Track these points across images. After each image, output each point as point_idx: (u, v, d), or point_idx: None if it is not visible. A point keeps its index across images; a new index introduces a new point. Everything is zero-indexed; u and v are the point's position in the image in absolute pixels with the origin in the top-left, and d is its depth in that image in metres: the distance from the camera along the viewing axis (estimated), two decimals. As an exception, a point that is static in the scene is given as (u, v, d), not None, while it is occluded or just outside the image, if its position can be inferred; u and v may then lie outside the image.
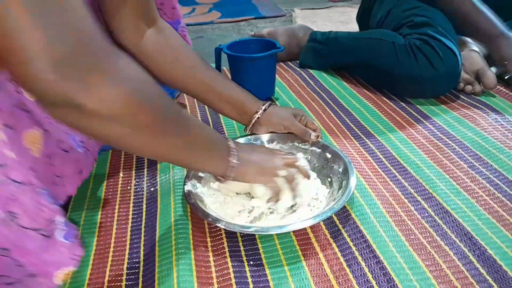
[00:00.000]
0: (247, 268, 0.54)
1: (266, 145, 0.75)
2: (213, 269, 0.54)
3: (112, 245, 0.60)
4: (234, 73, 1.03)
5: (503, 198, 0.65)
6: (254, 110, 0.75)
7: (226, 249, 0.57)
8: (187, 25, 1.88)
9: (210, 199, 0.64)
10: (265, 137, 0.76)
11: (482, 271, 0.52)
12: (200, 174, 0.67)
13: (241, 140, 0.75)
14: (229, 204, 0.63)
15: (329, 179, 0.68)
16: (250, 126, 0.75)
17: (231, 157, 0.58)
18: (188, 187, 0.63)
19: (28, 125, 0.48)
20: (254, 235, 0.59)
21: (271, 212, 0.62)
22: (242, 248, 0.58)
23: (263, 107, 0.75)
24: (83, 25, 0.37)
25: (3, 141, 0.41)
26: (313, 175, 0.67)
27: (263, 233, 0.57)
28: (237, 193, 0.66)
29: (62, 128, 0.55)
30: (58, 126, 0.54)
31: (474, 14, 1.01)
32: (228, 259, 0.56)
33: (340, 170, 0.67)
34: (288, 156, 0.65)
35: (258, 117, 0.74)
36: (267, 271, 0.54)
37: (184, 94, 1.05)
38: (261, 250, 0.57)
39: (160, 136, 0.47)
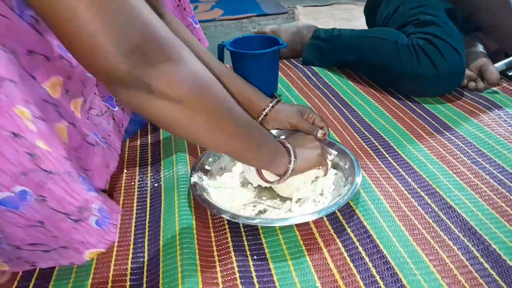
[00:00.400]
0: (251, 263, 0.55)
1: None
2: (217, 263, 0.55)
3: (116, 240, 0.60)
4: (237, 70, 1.03)
5: (507, 193, 0.65)
6: (262, 107, 0.75)
7: (230, 244, 0.58)
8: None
9: (216, 191, 0.64)
10: (272, 133, 0.76)
11: (486, 265, 0.52)
12: (206, 167, 0.67)
13: None
14: (235, 197, 0.64)
15: (334, 175, 0.68)
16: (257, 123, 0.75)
17: (290, 157, 0.59)
18: (194, 179, 0.63)
19: (56, 118, 0.50)
20: (257, 230, 0.59)
21: (274, 208, 0.63)
22: (246, 243, 0.58)
23: (271, 105, 0.75)
24: (145, 17, 0.39)
25: (34, 132, 0.43)
26: (333, 171, 0.69)
27: (266, 225, 0.58)
28: (242, 185, 0.67)
29: (86, 124, 0.57)
30: (83, 121, 0.56)
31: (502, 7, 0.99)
32: (232, 254, 0.56)
33: (346, 166, 0.68)
34: (327, 149, 0.68)
35: (266, 114, 0.74)
36: (271, 266, 0.54)
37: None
38: (265, 245, 0.57)
39: (221, 122, 0.47)
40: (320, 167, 0.64)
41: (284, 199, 0.65)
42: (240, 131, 0.50)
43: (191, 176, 0.64)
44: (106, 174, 0.61)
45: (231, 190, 0.65)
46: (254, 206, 0.63)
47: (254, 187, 0.67)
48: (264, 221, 0.56)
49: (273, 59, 1.01)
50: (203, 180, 0.64)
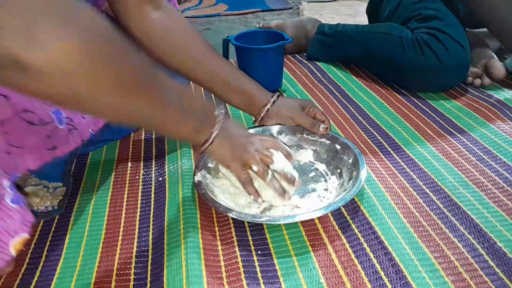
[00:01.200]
0: (255, 258, 0.55)
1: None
2: (221, 257, 0.55)
3: (120, 234, 0.60)
4: (241, 65, 1.02)
5: (513, 191, 0.65)
6: (264, 102, 0.74)
7: (235, 239, 0.57)
8: (193, 17, 1.88)
9: (220, 189, 0.64)
10: (274, 128, 0.75)
11: (492, 263, 0.52)
12: (210, 164, 0.67)
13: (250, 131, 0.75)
14: (239, 195, 0.63)
15: (338, 170, 0.68)
16: (260, 119, 0.75)
17: (208, 128, 0.55)
18: (198, 177, 0.63)
19: None
20: (262, 225, 0.59)
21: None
22: (250, 237, 0.58)
23: (272, 99, 0.74)
24: None
25: None
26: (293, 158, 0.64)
27: (274, 223, 0.57)
28: None
29: (37, 101, 0.51)
30: (30, 97, 0.49)
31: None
32: (237, 249, 0.56)
33: (350, 161, 0.67)
34: (268, 139, 0.63)
35: (268, 109, 0.74)
36: (275, 261, 0.54)
37: (191, 85, 1.05)
38: (269, 240, 0.57)
39: (123, 96, 0.40)
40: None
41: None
42: (147, 104, 0.44)
43: (195, 174, 0.64)
44: (45, 155, 0.54)
45: (235, 188, 0.65)
46: (259, 203, 0.62)
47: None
48: (270, 219, 0.56)
49: (278, 54, 1.00)
50: (207, 179, 0.64)
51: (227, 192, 0.64)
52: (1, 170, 0.45)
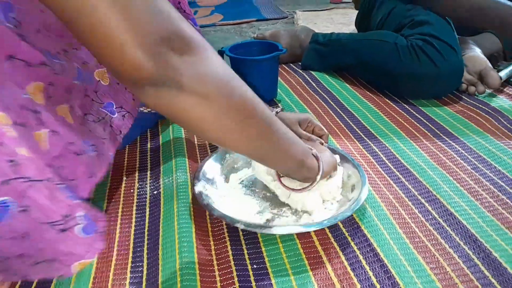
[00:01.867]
0: (251, 272, 0.54)
1: None
2: (216, 273, 0.54)
3: (115, 249, 0.60)
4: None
5: (507, 200, 0.65)
6: None
7: (231, 257, 0.57)
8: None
9: (220, 200, 0.64)
10: None
11: (487, 274, 0.52)
12: (208, 176, 0.67)
13: None
14: (241, 205, 0.63)
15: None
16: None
17: (319, 161, 0.58)
18: (198, 188, 0.63)
19: (36, 125, 0.48)
20: (257, 238, 0.59)
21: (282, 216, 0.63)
22: (245, 252, 0.57)
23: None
24: (168, 11, 0.37)
25: (14, 138, 0.41)
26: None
27: (285, 232, 0.57)
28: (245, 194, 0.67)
29: (77, 130, 0.55)
30: (70, 129, 0.54)
31: (491, 3, 0.99)
32: (232, 263, 0.56)
33: (350, 172, 0.67)
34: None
35: None
36: (271, 275, 0.54)
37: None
38: (264, 254, 0.57)
39: (249, 121, 0.46)
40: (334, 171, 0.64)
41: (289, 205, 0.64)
42: (267, 131, 0.49)
43: (194, 185, 0.63)
44: (89, 183, 0.59)
45: (235, 198, 0.65)
46: (260, 213, 0.62)
47: (259, 196, 0.67)
48: (280, 229, 0.56)
49: (273, 65, 1.01)
50: (207, 190, 0.64)
51: (227, 203, 0.64)
52: (77, 202, 0.48)
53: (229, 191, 0.67)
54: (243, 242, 0.59)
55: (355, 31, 1.53)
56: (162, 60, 0.37)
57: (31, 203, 0.43)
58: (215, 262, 0.56)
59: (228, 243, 0.59)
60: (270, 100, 1.04)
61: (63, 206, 0.45)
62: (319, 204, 0.62)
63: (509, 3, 0.99)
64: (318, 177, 0.58)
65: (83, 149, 0.57)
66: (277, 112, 0.74)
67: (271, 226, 0.57)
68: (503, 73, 1.01)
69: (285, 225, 0.60)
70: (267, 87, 1.03)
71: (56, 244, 0.46)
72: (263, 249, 0.58)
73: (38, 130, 0.49)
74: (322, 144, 0.71)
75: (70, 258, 0.48)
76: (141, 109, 0.87)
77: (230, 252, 0.58)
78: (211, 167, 0.70)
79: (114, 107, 0.71)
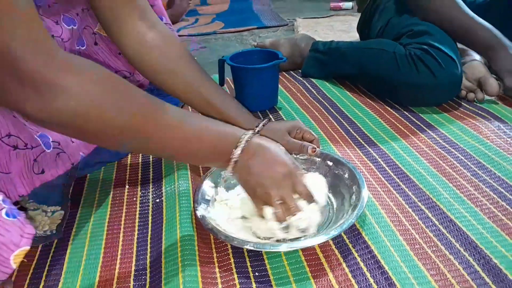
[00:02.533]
0: (253, 280, 0.55)
1: None
2: (219, 280, 0.55)
3: (118, 257, 0.60)
4: (237, 84, 1.04)
5: (507, 206, 0.65)
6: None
7: (233, 265, 0.57)
8: (190, 35, 1.90)
9: (223, 221, 0.62)
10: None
11: (488, 280, 0.52)
12: (207, 197, 0.66)
13: None
14: (240, 225, 0.63)
15: (338, 188, 0.68)
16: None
17: (238, 144, 0.56)
18: (200, 212, 0.61)
19: None
20: (261, 251, 0.59)
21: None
22: (248, 264, 0.58)
23: (257, 129, 0.73)
24: (40, 37, 0.42)
25: None
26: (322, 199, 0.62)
27: (291, 249, 0.57)
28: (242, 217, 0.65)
29: (20, 125, 0.54)
30: (12, 122, 0.53)
31: (470, 24, 1.00)
32: (235, 276, 0.56)
33: (346, 175, 0.68)
34: (300, 179, 0.58)
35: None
36: (273, 283, 0.54)
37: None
38: (268, 267, 0.57)
39: (119, 139, 0.49)
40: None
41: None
42: (153, 143, 0.52)
43: (196, 210, 0.62)
44: (35, 180, 0.56)
45: (234, 216, 0.65)
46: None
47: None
48: (286, 246, 0.56)
49: (273, 73, 1.02)
50: (209, 212, 0.62)
51: (231, 223, 0.63)
52: None
53: (229, 209, 0.67)
54: (245, 251, 0.60)
55: (355, 38, 1.54)
56: (11, 91, 0.41)
57: None
58: (217, 270, 0.57)
59: (230, 251, 0.60)
60: (271, 107, 1.05)
61: None
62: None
63: (490, 27, 1.00)
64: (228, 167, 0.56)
65: (29, 144, 0.55)
66: (264, 125, 0.74)
67: (278, 243, 0.57)
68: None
69: (288, 241, 0.59)
70: (268, 95, 1.04)
71: None
72: (265, 256, 0.58)
73: None
74: (314, 150, 0.70)
75: (6, 249, 0.44)
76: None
77: (232, 260, 0.58)
78: (209, 187, 0.68)
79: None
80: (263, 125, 0.75)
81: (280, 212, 0.56)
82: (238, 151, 0.55)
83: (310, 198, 0.58)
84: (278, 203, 0.56)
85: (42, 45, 0.42)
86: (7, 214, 0.45)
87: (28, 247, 0.45)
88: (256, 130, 0.73)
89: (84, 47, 0.74)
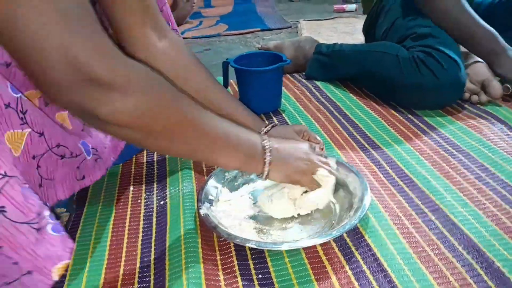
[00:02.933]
0: (256, 282, 0.55)
1: None
2: (222, 283, 0.55)
3: (123, 258, 0.61)
4: (241, 86, 1.04)
5: (511, 209, 0.65)
6: None
7: (236, 267, 0.58)
8: (194, 38, 1.91)
9: (226, 220, 0.63)
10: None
11: (490, 283, 0.53)
12: (210, 196, 0.67)
13: None
14: (244, 224, 0.64)
15: (341, 191, 0.68)
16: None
17: (265, 157, 0.59)
18: (204, 210, 0.62)
19: (14, 124, 0.48)
20: (264, 253, 0.59)
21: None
22: (252, 266, 0.58)
23: (265, 130, 0.75)
24: (98, 37, 0.43)
25: None
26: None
27: (293, 248, 0.58)
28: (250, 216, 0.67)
29: (69, 135, 0.57)
30: (61, 132, 0.55)
31: (475, 29, 1.00)
32: (239, 278, 0.56)
33: (349, 179, 0.68)
34: (321, 159, 0.66)
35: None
36: (276, 286, 0.54)
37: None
38: (271, 269, 0.57)
39: (176, 140, 0.51)
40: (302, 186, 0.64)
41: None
42: (201, 144, 0.54)
43: (199, 208, 0.63)
44: (75, 185, 0.59)
45: (237, 216, 0.65)
46: (263, 232, 0.63)
47: (256, 212, 0.67)
48: (288, 245, 0.57)
49: (277, 76, 1.02)
50: (213, 211, 0.64)
51: (233, 222, 0.64)
52: (42, 201, 0.46)
53: (232, 208, 0.68)
54: (248, 253, 0.60)
55: (359, 40, 1.54)
56: (83, 95, 0.42)
57: (7, 202, 0.41)
58: (221, 273, 0.57)
59: (233, 253, 0.60)
60: (275, 110, 1.06)
61: (35, 204, 0.44)
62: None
63: (493, 31, 1.00)
64: (263, 176, 0.60)
65: (75, 152, 0.58)
66: (272, 126, 0.76)
67: (280, 243, 0.58)
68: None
69: (291, 240, 0.60)
70: (272, 97, 1.04)
71: (33, 248, 0.44)
72: (268, 259, 0.59)
73: (16, 129, 0.49)
74: (322, 149, 0.73)
75: (49, 262, 0.45)
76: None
77: (235, 262, 0.59)
78: (212, 187, 0.70)
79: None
80: (271, 127, 0.76)
81: (327, 165, 0.65)
82: (267, 162, 0.60)
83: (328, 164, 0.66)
84: (320, 162, 0.64)
85: (102, 47, 0.43)
86: (53, 230, 0.47)
87: (69, 261, 0.48)
88: (263, 133, 0.75)
89: None
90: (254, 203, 0.68)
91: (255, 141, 0.60)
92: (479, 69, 1.03)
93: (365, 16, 1.39)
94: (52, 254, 0.46)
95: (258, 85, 1.00)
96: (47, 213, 0.46)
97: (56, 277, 0.46)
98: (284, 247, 0.57)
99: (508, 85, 1.00)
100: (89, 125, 0.48)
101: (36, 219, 0.44)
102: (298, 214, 0.65)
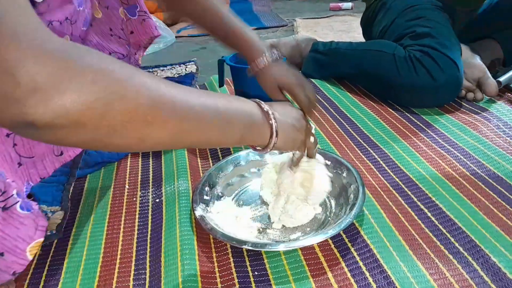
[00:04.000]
0: (252, 279, 0.55)
1: (269, 156, 0.76)
2: (218, 280, 0.55)
3: (118, 257, 0.60)
4: (237, 84, 1.04)
5: (506, 205, 0.65)
6: (261, 51, 0.73)
7: (232, 265, 0.58)
8: (190, 36, 1.91)
9: (222, 220, 0.63)
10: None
11: (487, 279, 0.53)
12: (205, 197, 0.67)
13: (249, 153, 0.77)
14: (239, 224, 0.64)
15: (337, 188, 0.68)
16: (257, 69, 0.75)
17: (270, 120, 0.54)
18: (199, 212, 0.62)
19: None
20: (260, 252, 0.59)
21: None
22: (248, 263, 0.58)
23: (266, 59, 0.72)
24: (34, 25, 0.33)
25: None
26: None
27: (290, 248, 0.57)
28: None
29: None
30: None
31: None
32: (235, 275, 0.56)
33: (344, 174, 0.68)
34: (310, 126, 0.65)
35: (267, 64, 0.73)
36: (272, 282, 0.54)
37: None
38: (267, 266, 0.57)
39: (150, 126, 0.39)
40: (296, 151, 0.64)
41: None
42: (185, 117, 0.42)
43: (194, 210, 0.62)
44: (55, 162, 0.56)
45: (232, 216, 0.65)
46: (260, 232, 0.63)
47: (254, 208, 0.68)
48: (284, 245, 0.56)
49: None
50: (208, 212, 0.63)
51: (228, 222, 0.63)
52: (9, 180, 0.45)
53: (224, 210, 0.67)
54: (244, 251, 0.60)
55: (355, 38, 1.54)
56: (11, 109, 0.32)
57: None
58: (216, 270, 0.57)
59: (229, 250, 0.60)
60: None
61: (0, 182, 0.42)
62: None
63: None
64: (271, 145, 0.54)
65: None
66: (273, 58, 0.72)
67: (277, 243, 0.57)
68: (503, 78, 1.02)
69: (288, 240, 0.60)
70: (268, 95, 1.04)
71: (2, 228, 0.42)
72: (264, 256, 0.59)
73: None
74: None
75: (20, 242, 0.44)
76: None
77: (231, 260, 0.58)
78: (206, 187, 0.69)
79: None
80: (275, 59, 0.73)
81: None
82: (271, 117, 0.54)
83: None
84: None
85: (35, 39, 0.33)
86: (21, 207, 0.45)
87: (42, 239, 0.46)
88: (266, 61, 0.72)
89: (86, 28, 0.72)
90: (268, 222, 0.66)
91: (251, 106, 0.52)
92: (476, 66, 1.03)
93: (361, 14, 1.39)
94: (23, 233, 0.44)
95: (254, 82, 1.00)
96: (14, 191, 0.44)
97: (30, 257, 0.45)
98: (281, 248, 0.56)
99: (500, 80, 1.00)
100: (34, 138, 0.37)
101: (0, 197, 0.42)
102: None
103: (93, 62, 0.35)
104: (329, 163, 0.70)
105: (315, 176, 0.64)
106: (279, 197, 0.65)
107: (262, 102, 0.54)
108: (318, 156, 0.67)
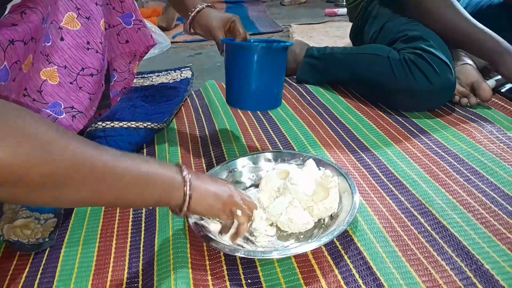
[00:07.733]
0: None
1: (264, 162, 0.76)
2: (211, 288, 0.55)
3: (111, 265, 0.60)
4: (237, 72, 0.75)
5: (499, 212, 0.65)
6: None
7: (225, 273, 0.57)
8: (185, 42, 1.91)
9: (215, 226, 0.62)
10: (268, 155, 0.77)
11: (479, 286, 0.53)
12: None
13: (244, 159, 0.76)
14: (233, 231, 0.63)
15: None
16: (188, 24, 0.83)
17: (184, 187, 0.53)
18: (192, 219, 0.61)
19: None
20: (253, 260, 0.59)
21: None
22: (241, 271, 0.57)
23: (192, 14, 0.81)
24: None
25: None
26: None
27: (283, 256, 0.57)
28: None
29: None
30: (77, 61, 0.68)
31: (475, 32, 1.01)
32: (228, 283, 0.56)
33: (338, 181, 0.68)
34: (246, 198, 0.61)
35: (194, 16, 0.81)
36: (265, 290, 0.54)
37: (182, 109, 1.07)
38: (260, 274, 0.57)
39: (67, 186, 0.41)
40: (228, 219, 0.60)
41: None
42: (104, 182, 0.44)
43: (188, 217, 0.61)
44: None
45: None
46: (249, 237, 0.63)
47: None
48: (278, 253, 0.56)
49: (281, 61, 0.75)
50: (201, 219, 0.62)
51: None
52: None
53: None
54: (238, 258, 0.60)
55: (350, 44, 1.55)
56: None
57: None
58: (209, 277, 0.57)
59: (222, 258, 0.60)
60: (274, 108, 0.82)
61: None
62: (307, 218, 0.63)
63: (492, 33, 1.01)
64: (184, 207, 0.53)
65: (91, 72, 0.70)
66: (199, 11, 0.81)
67: (270, 251, 0.57)
68: (491, 81, 1.03)
69: (281, 247, 0.60)
70: (272, 88, 0.76)
71: None
72: (257, 263, 0.58)
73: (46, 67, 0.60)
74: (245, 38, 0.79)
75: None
76: (137, 124, 0.88)
77: (224, 267, 0.58)
78: None
79: (63, 107, 0.70)
80: (198, 11, 0.81)
81: (245, 212, 0.59)
82: (187, 194, 0.53)
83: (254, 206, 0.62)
84: (242, 203, 0.59)
85: None
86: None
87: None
88: (191, 15, 0.81)
89: (50, 43, 0.70)
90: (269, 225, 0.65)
91: (173, 171, 0.53)
92: (469, 71, 1.04)
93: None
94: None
95: (257, 68, 0.72)
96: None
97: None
98: (274, 256, 0.56)
99: (488, 83, 1.00)
100: None
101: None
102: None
103: (17, 126, 0.37)
104: (323, 169, 0.70)
105: (329, 193, 0.63)
106: (282, 197, 0.65)
107: (185, 169, 0.54)
108: (335, 177, 0.66)
